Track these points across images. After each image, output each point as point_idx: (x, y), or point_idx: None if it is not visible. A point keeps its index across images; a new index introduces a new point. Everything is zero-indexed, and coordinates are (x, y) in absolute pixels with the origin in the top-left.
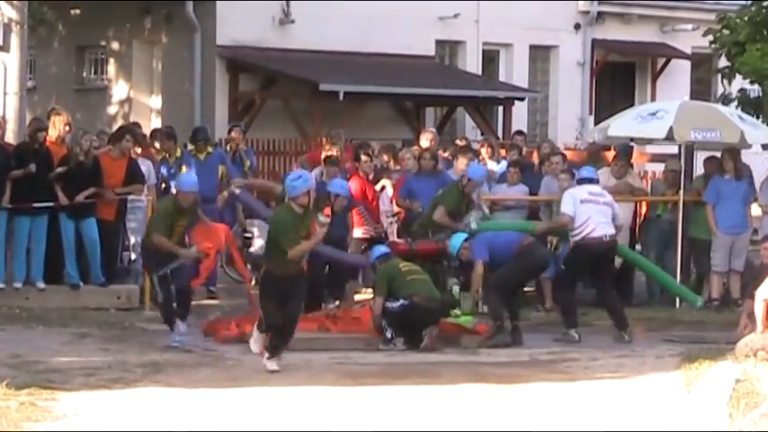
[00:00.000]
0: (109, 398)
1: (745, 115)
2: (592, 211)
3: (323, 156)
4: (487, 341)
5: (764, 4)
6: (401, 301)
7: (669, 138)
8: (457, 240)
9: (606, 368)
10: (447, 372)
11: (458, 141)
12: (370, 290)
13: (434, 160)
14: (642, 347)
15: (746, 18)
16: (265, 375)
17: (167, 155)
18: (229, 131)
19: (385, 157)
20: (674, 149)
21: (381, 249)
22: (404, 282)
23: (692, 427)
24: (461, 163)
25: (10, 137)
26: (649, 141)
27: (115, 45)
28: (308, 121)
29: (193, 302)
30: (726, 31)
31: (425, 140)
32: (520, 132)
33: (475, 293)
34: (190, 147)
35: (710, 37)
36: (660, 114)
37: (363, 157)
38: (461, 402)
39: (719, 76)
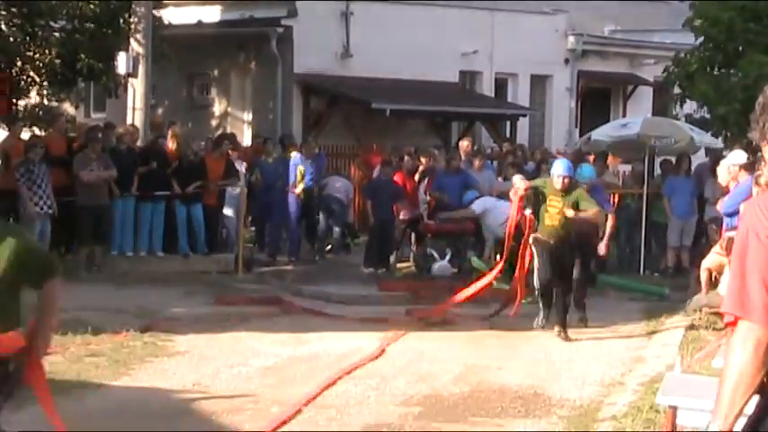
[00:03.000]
0: (211, 340)
1: (693, 126)
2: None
3: (381, 159)
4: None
5: (709, 45)
6: None
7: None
8: None
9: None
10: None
11: (476, 148)
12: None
13: (459, 161)
14: (614, 305)
15: (695, 55)
16: (324, 323)
17: (264, 156)
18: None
19: (422, 159)
20: (638, 155)
21: None
22: None
23: (652, 365)
24: (476, 164)
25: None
26: (621, 149)
27: (216, 73)
28: (362, 131)
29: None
30: (678, 68)
31: (462, 147)
32: (510, 142)
33: None
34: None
35: (668, 71)
36: (629, 126)
37: (406, 158)
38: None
39: (675, 101)
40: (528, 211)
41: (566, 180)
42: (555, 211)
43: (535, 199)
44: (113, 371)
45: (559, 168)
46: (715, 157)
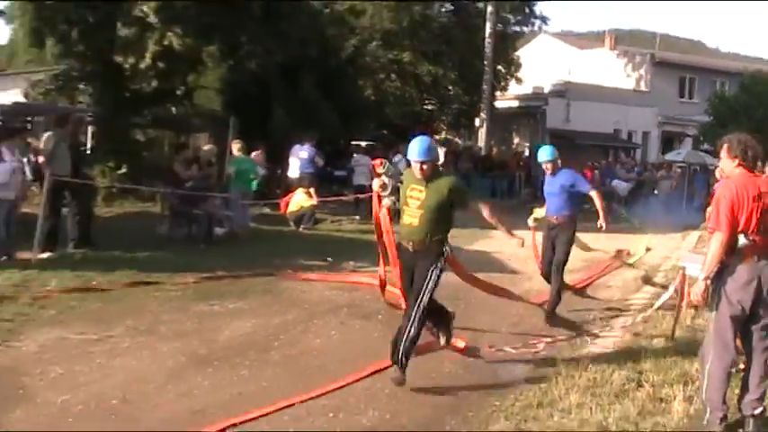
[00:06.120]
0: None
1: (707, 154)
2: None
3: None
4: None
5: (715, 122)
6: None
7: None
8: None
9: None
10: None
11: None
12: None
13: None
14: (663, 226)
15: (709, 125)
16: (484, 234)
17: None
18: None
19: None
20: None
21: None
22: None
23: (682, 250)
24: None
25: None
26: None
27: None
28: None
29: None
30: (705, 129)
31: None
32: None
33: None
34: None
35: (703, 131)
36: (680, 153)
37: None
38: None
39: (701, 142)
40: (385, 201)
41: (424, 167)
42: (416, 205)
43: (397, 193)
44: None
45: (413, 152)
46: (714, 167)
